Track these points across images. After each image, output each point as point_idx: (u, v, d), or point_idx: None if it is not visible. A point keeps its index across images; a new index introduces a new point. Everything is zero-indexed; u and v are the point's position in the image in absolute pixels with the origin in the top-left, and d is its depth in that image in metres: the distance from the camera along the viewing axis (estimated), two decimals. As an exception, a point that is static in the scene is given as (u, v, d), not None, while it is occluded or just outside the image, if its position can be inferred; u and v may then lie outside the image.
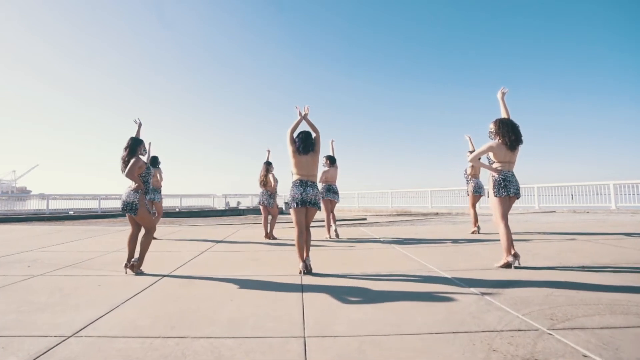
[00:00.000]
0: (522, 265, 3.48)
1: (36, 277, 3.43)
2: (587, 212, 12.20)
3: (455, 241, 5.36)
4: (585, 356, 1.65)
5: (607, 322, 2.00)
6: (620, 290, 2.59)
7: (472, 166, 6.35)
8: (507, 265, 3.44)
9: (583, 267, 3.42)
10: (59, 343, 1.93)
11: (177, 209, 20.45)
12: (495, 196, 3.56)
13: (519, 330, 1.93)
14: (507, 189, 3.51)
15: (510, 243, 3.45)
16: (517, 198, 3.64)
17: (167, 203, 21.15)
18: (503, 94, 3.89)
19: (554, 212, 13.19)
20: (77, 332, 2.07)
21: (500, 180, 3.54)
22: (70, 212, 16.41)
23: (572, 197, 14.00)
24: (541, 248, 4.53)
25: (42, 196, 17.39)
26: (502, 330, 1.93)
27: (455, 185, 17.53)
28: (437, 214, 15.36)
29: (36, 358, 1.76)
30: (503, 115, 3.82)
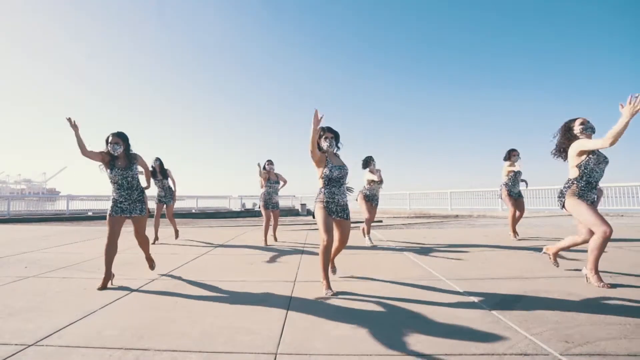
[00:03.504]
0: (541, 274, 3.12)
1: (28, 278, 3.38)
2: (622, 216, 11.33)
3: (471, 247, 4.98)
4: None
5: (636, 349, 1.68)
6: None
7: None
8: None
9: (607, 271, 3.03)
10: (16, 353, 1.80)
11: (193, 210, 20.66)
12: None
13: (525, 355, 1.63)
14: None
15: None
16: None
17: (183, 204, 21.44)
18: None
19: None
20: (40, 340, 1.93)
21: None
22: (89, 213, 16.85)
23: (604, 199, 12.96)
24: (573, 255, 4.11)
25: (70, 197, 17.95)
26: (505, 354, 1.64)
27: (476, 187, 16.85)
28: (457, 216, 14.75)
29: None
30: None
